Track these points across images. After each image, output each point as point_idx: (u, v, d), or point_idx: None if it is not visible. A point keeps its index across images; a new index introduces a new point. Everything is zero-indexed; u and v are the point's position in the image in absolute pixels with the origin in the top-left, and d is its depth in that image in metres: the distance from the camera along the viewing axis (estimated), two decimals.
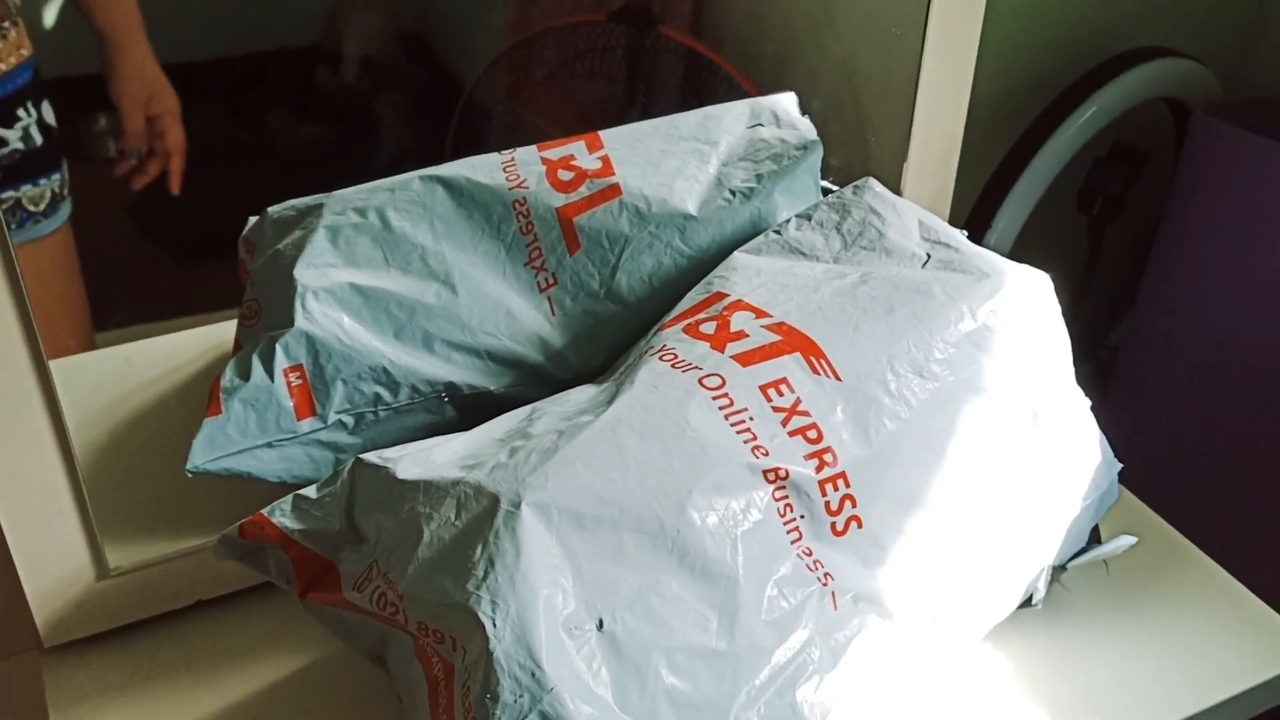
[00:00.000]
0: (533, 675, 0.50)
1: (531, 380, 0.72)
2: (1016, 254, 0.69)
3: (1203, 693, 0.67)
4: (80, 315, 1.02)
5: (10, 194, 0.96)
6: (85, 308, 1.03)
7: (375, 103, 1.67)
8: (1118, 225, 1.51)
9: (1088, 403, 0.67)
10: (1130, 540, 0.69)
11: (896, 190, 0.75)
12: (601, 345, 0.73)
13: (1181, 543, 0.77)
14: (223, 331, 0.81)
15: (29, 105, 0.95)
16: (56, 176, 1.00)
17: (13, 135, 0.95)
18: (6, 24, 0.89)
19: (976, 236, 0.70)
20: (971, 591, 0.63)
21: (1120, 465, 0.68)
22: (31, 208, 0.97)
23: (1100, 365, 1.58)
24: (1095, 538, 0.70)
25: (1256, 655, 0.69)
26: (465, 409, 0.71)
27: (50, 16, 1.13)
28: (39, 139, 0.97)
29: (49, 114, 0.99)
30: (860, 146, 0.92)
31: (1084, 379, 0.67)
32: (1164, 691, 0.67)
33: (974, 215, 1.28)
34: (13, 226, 0.91)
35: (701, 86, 1.37)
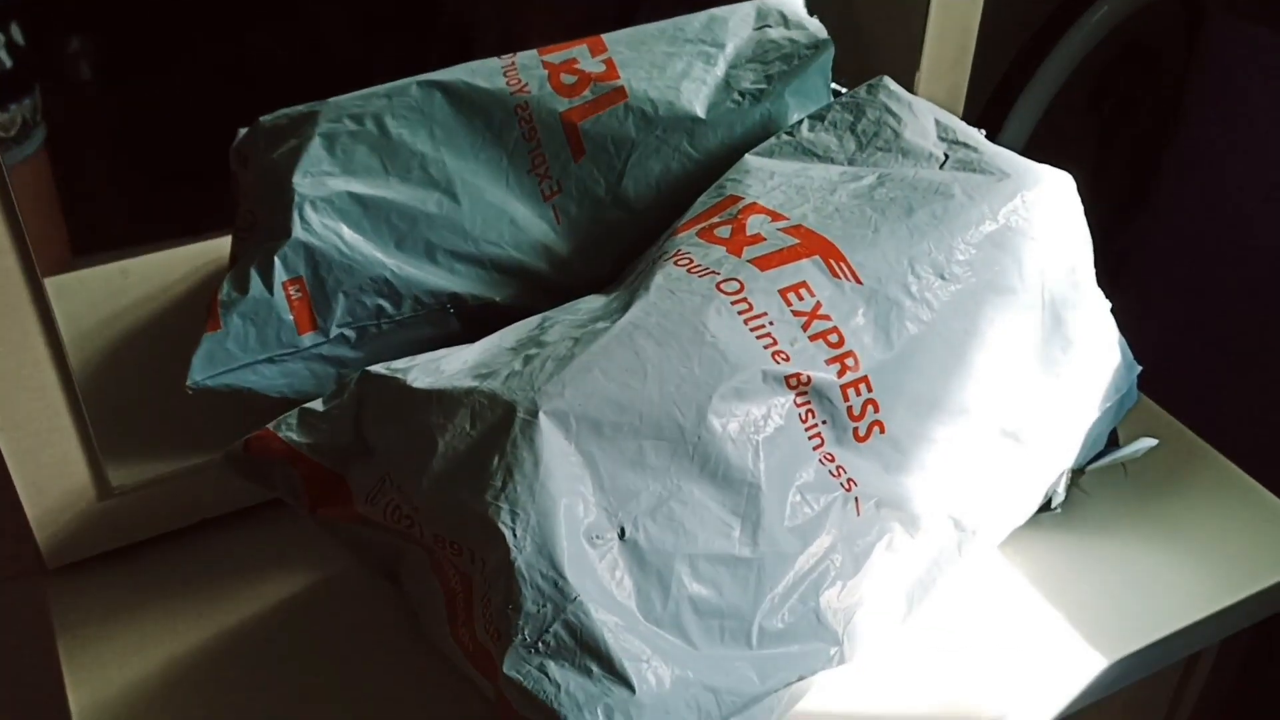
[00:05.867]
0: (555, 585, 0.49)
1: (537, 290, 0.70)
2: (1027, 156, 0.67)
3: (1223, 591, 0.67)
4: (58, 245, 0.98)
5: None
6: (63, 237, 0.99)
7: (353, 20, 1.64)
8: (1129, 127, 1.47)
9: (1108, 304, 0.66)
10: (1150, 442, 0.68)
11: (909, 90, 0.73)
12: (608, 253, 0.71)
13: (1198, 444, 0.76)
14: (218, 247, 0.79)
15: None
16: (28, 102, 0.96)
17: None
18: None
19: (988, 139, 0.68)
20: (992, 496, 0.62)
21: (1140, 368, 0.67)
22: (0, 134, 0.93)
23: (1108, 268, 1.56)
24: (1114, 441, 0.69)
25: (1276, 553, 0.69)
26: (470, 321, 0.69)
27: None
28: (8, 61, 0.92)
29: (18, 35, 0.94)
30: (854, 49, 0.89)
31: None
32: (1184, 591, 0.67)
33: (984, 118, 1.25)
34: None
35: None
